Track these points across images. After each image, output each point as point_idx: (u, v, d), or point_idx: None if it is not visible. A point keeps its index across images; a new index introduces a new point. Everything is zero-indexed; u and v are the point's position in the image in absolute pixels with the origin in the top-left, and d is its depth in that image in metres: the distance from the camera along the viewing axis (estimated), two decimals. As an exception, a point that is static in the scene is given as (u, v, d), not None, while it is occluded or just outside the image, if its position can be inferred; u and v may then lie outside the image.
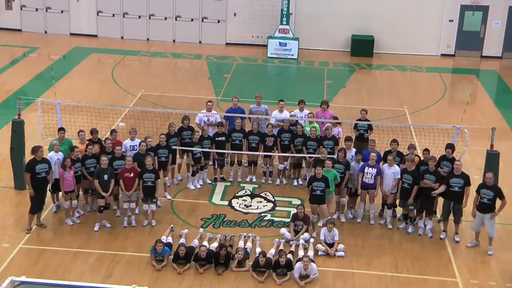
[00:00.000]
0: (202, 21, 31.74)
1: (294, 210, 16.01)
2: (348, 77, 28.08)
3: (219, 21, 31.67)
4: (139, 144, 16.22)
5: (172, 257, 14.28)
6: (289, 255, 14.30)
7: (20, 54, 29.26)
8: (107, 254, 14.57)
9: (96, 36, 32.11)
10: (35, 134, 18.01)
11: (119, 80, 26.14)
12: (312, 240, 15.09)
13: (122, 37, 32.09)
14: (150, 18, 31.85)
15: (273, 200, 17.25)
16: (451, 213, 15.50)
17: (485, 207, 14.94)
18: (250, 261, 14.28)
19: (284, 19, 30.11)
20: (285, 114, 18.27)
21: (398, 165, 15.88)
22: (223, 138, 17.55)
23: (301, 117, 18.20)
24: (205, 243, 14.68)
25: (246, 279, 13.91)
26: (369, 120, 18.26)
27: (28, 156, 15.84)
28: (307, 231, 15.29)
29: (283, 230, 15.48)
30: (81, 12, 31.93)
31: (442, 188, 15.29)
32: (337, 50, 31.32)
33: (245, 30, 31.57)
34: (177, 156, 17.60)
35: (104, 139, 16.43)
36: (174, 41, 31.98)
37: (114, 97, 23.97)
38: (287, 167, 18.11)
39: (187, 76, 27.50)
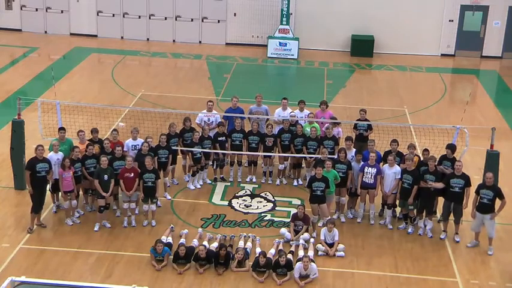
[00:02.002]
0: (202, 21, 31.75)
1: (294, 210, 16.01)
2: (348, 77, 28.08)
3: (219, 21, 31.68)
4: (142, 144, 16.21)
5: (172, 257, 14.29)
6: (289, 255, 14.30)
7: (20, 54, 29.25)
8: (107, 254, 14.58)
9: (96, 36, 32.12)
10: (35, 134, 18.02)
11: (119, 80, 26.15)
12: (312, 240, 15.10)
13: (122, 37, 32.10)
14: (150, 18, 31.86)
15: (273, 200, 17.25)
16: (451, 214, 15.51)
17: (485, 208, 14.92)
18: (250, 261, 14.28)
19: (284, 19, 30.12)
20: (288, 112, 18.32)
21: (398, 165, 15.88)
22: (224, 138, 17.55)
23: (301, 117, 18.20)
24: (204, 243, 14.68)
25: (246, 279, 13.91)
26: (368, 120, 18.26)
27: (28, 156, 15.85)
28: (307, 231, 15.30)
29: (283, 230, 15.49)
30: (81, 12, 31.94)
31: (440, 185, 15.29)
32: (337, 50, 31.32)
33: (245, 30, 31.58)
34: (180, 156, 17.61)
35: (104, 139, 16.43)
36: (174, 41, 31.98)
37: (114, 97, 23.97)
38: (287, 167, 18.11)
39: (187, 76, 27.51)
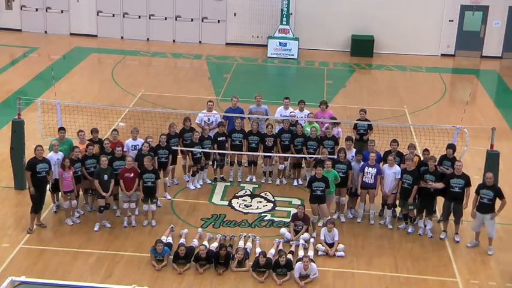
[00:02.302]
0: (202, 21, 31.75)
1: (294, 210, 16.01)
2: (348, 77, 28.08)
3: (219, 21, 31.68)
4: (143, 144, 16.20)
5: (172, 257, 14.29)
6: (289, 255, 14.30)
7: (20, 54, 29.26)
8: (107, 254, 14.57)
9: (96, 36, 32.12)
10: (35, 134, 18.01)
11: (119, 80, 26.15)
12: (312, 240, 15.10)
13: (122, 37, 32.10)
14: (150, 18, 31.86)
15: (273, 200, 17.24)
16: (451, 214, 15.50)
17: (485, 208, 14.92)
18: (250, 261, 14.28)
19: (284, 19, 30.12)
20: (290, 111, 18.34)
21: (398, 165, 15.88)
22: (224, 138, 17.55)
23: (301, 117, 18.21)
24: (205, 243, 14.68)
25: (246, 279, 13.91)
26: (368, 120, 18.26)
27: (28, 156, 15.85)
28: (307, 231, 15.30)
29: (283, 230, 15.49)
30: (81, 12, 31.94)
31: (440, 185, 15.28)
32: (337, 50, 31.33)
33: (245, 30, 31.58)
34: (180, 156, 17.61)
35: (104, 139, 16.43)
36: (174, 41, 31.98)
37: (114, 97, 23.97)
38: (287, 167, 18.10)
39: (187, 76, 27.51)
